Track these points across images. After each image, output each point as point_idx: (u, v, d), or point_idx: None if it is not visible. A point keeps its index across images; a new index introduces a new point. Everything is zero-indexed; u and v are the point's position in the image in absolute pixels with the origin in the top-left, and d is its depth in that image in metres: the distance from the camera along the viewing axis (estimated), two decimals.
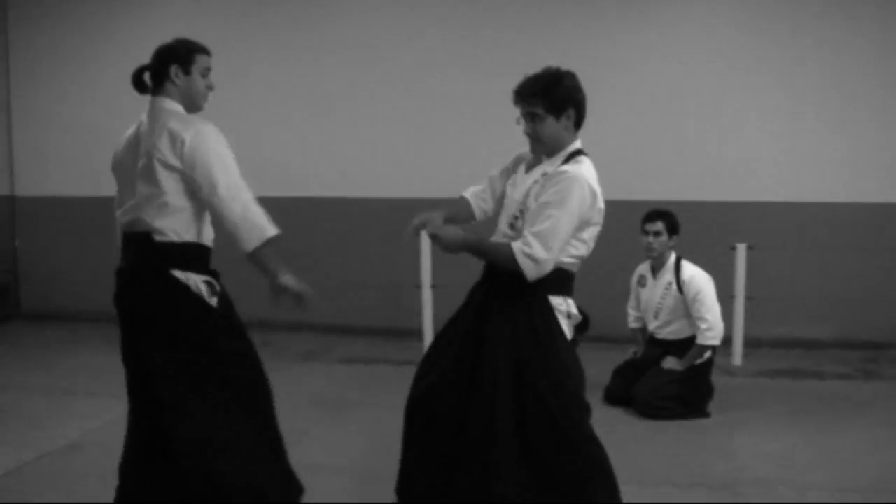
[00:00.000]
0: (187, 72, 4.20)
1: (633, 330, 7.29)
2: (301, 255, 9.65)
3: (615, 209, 8.35)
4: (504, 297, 4.18)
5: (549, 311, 4.18)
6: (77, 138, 10.11)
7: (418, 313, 8.32)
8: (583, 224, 4.09)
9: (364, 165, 9.51)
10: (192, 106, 4.23)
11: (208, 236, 4.22)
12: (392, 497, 4.62)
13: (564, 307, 4.24)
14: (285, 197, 9.69)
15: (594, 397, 7.02)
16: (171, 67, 4.19)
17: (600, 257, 8.65)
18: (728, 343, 8.15)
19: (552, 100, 4.14)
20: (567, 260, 4.16)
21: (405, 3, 9.45)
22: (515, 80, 4.22)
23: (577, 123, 4.26)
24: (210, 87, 4.30)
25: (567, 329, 4.25)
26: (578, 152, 4.22)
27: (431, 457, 4.34)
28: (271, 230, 4.07)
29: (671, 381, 6.70)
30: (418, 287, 8.21)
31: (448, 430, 4.26)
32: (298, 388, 7.48)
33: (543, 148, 4.23)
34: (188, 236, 4.09)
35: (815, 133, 8.78)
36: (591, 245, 4.25)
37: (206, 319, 4.14)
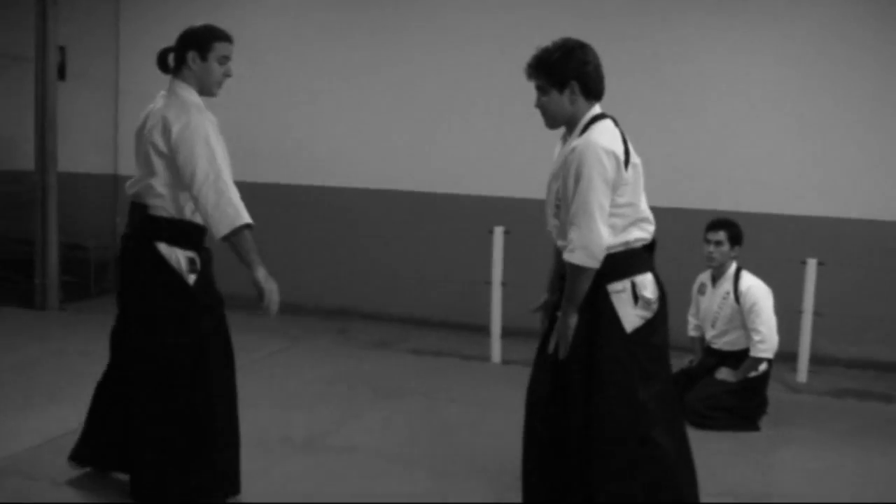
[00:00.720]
0: (204, 58, 4.44)
1: (692, 339, 7.28)
2: (383, 246, 9.94)
3: (685, 217, 8.45)
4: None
5: (605, 300, 4.14)
6: None
7: (488, 310, 8.41)
8: (615, 187, 4.07)
9: (444, 161, 9.66)
10: (206, 91, 4.47)
11: (198, 216, 4.41)
12: (419, 482, 4.78)
13: (626, 292, 4.17)
14: (372, 189, 9.92)
15: None
16: (189, 52, 4.43)
17: (666, 264, 8.72)
18: (794, 359, 8.10)
19: (553, 73, 4.18)
20: (633, 238, 4.20)
21: None
22: None
23: (588, 94, 4.24)
24: (227, 75, 4.53)
25: (632, 315, 4.18)
26: (595, 119, 4.20)
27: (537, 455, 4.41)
28: (242, 219, 4.25)
29: (723, 392, 6.69)
30: (488, 283, 8.31)
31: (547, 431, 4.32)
32: (363, 375, 7.72)
33: (552, 121, 4.28)
34: (177, 213, 4.35)
35: (891, 149, 8.62)
36: (637, 201, 4.25)
37: (178, 294, 4.39)
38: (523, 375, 7.81)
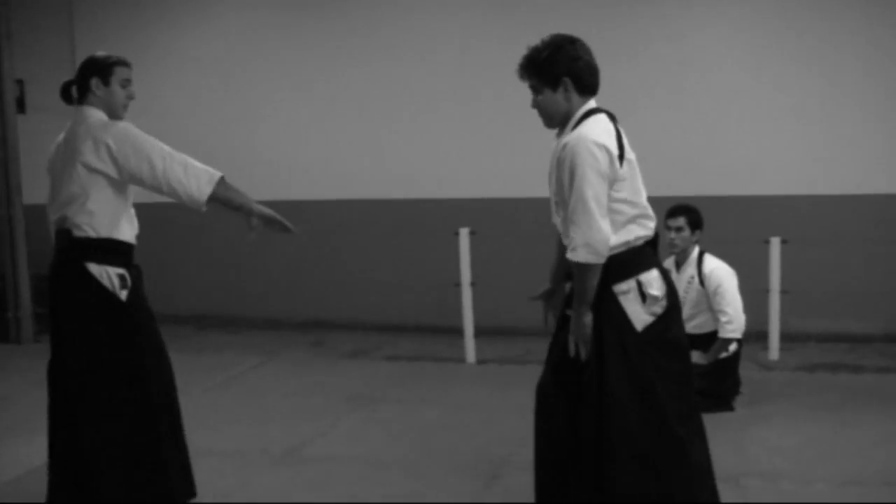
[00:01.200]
0: (107, 83, 4.56)
1: None
2: (354, 256, 9.99)
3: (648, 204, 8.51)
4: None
5: (612, 302, 4.10)
6: None
7: (460, 311, 8.46)
8: (611, 182, 4.04)
9: (405, 166, 9.73)
10: (113, 115, 4.58)
11: (127, 233, 4.52)
12: (397, 484, 4.82)
13: (633, 291, 4.12)
14: (335, 200, 9.97)
15: None
16: (91, 79, 4.55)
17: None
18: (765, 337, 8.19)
19: (545, 71, 4.17)
20: (633, 236, 4.14)
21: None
22: None
23: (583, 90, 4.21)
24: (130, 97, 4.65)
25: (641, 314, 4.12)
26: (588, 114, 4.19)
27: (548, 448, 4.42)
28: (215, 173, 4.43)
29: (695, 375, 6.73)
30: (458, 285, 8.37)
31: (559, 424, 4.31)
32: (339, 384, 7.77)
33: (549, 120, 4.26)
34: (105, 232, 4.41)
35: (850, 124, 8.73)
36: (636, 197, 4.21)
37: (111, 311, 4.43)
38: (498, 374, 7.98)
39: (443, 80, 9.57)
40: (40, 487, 5.37)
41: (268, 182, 9.96)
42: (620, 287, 4.09)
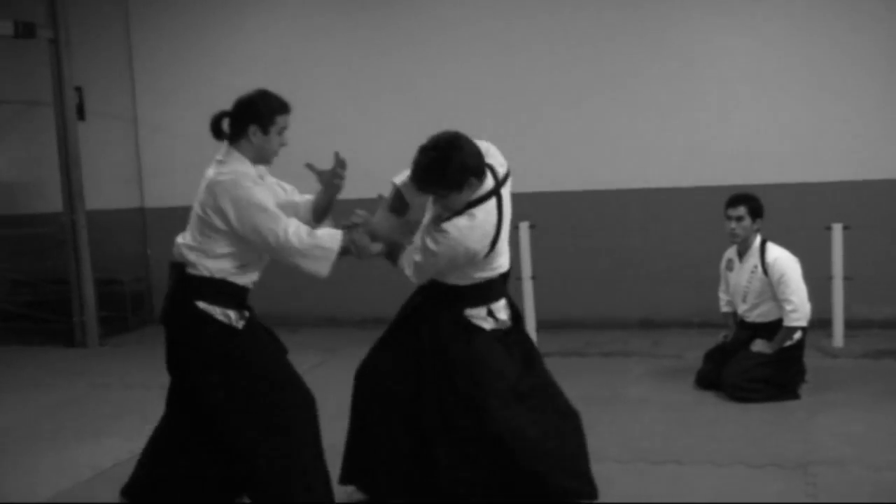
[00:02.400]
0: (266, 132, 4.39)
1: (725, 314, 7.32)
2: None
3: (707, 195, 8.50)
4: (428, 308, 4.67)
5: (466, 323, 4.61)
6: (198, 148, 10.46)
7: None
8: (464, 266, 4.52)
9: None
10: (263, 161, 4.50)
11: (247, 277, 4.48)
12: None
13: (482, 314, 4.65)
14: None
15: (685, 382, 7.16)
16: (250, 126, 4.37)
17: (692, 243, 8.80)
18: (828, 325, 8.12)
19: (451, 182, 4.36)
20: (475, 277, 4.59)
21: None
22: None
23: (480, 177, 4.46)
24: (283, 144, 4.48)
25: (489, 323, 4.66)
26: (480, 200, 4.49)
27: (382, 439, 4.77)
28: (333, 246, 4.33)
29: (760, 364, 6.72)
30: (519, 279, 8.38)
31: (398, 416, 4.70)
32: None
33: (451, 212, 4.49)
34: (220, 275, 4.36)
35: None
36: (500, 260, 4.65)
37: (230, 341, 4.40)
38: (560, 366, 7.85)
39: (493, 74, 9.59)
40: (108, 490, 5.49)
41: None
42: (473, 311, 4.62)
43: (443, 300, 4.62)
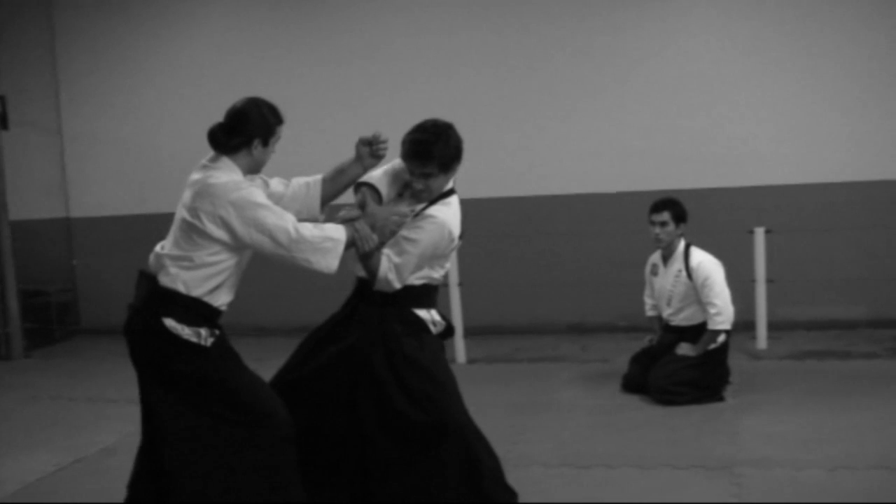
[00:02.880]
0: (266, 144, 4.29)
1: (650, 318, 7.41)
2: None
3: (633, 200, 8.61)
4: (376, 310, 4.58)
5: (414, 317, 4.57)
6: (123, 157, 10.51)
7: (450, 312, 8.48)
8: (438, 257, 4.54)
9: None
10: (255, 171, 4.36)
11: (221, 299, 4.26)
12: None
13: (429, 317, 4.63)
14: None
15: (613, 386, 7.23)
16: (255, 140, 4.24)
17: (619, 248, 8.90)
18: (752, 327, 8.26)
19: (447, 158, 4.50)
20: (426, 278, 4.59)
21: None
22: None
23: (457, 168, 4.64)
24: (273, 152, 4.39)
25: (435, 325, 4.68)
26: (450, 192, 4.64)
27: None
28: (340, 237, 4.21)
29: (685, 367, 6.81)
30: (446, 286, 8.39)
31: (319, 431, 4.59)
32: None
33: (429, 197, 4.56)
34: (196, 293, 4.14)
35: (832, 113, 8.85)
36: (446, 268, 4.72)
37: (196, 360, 4.18)
38: (489, 373, 8.00)
39: (421, 80, 9.63)
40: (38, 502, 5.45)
41: None
42: (421, 312, 4.60)
43: (389, 301, 4.56)
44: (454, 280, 8.44)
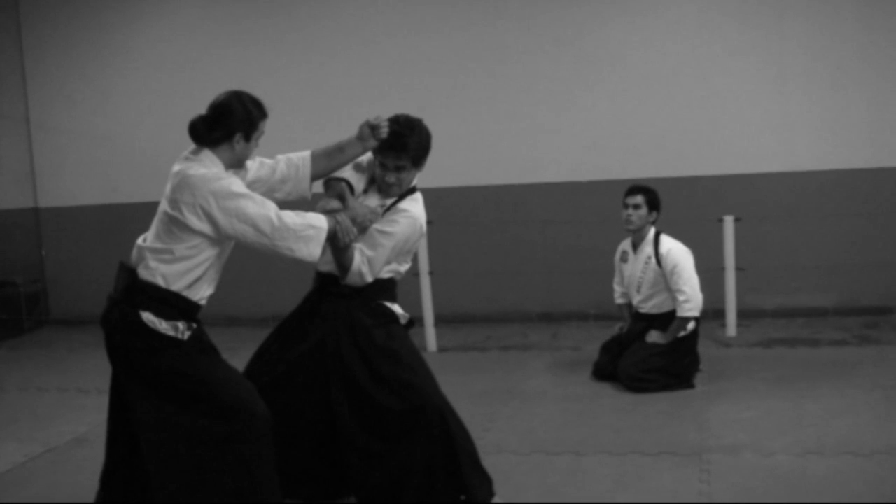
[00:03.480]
0: (248, 139, 4.25)
1: (620, 306, 7.44)
2: None
3: (602, 188, 8.65)
4: (342, 304, 4.62)
5: (384, 310, 4.66)
6: (92, 148, 10.44)
7: (420, 301, 8.49)
8: (407, 252, 4.67)
9: None
10: (237, 166, 4.33)
11: (200, 293, 4.23)
12: None
13: (398, 311, 4.70)
14: None
15: (583, 373, 7.26)
16: (236, 134, 4.21)
17: (589, 236, 8.94)
18: (722, 315, 8.31)
19: (420, 151, 4.59)
20: (393, 272, 4.71)
21: None
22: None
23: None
24: (256, 147, 4.36)
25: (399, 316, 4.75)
26: (414, 189, 4.74)
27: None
28: (322, 225, 4.20)
29: (655, 354, 6.85)
30: (416, 275, 8.40)
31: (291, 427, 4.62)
32: None
33: (398, 191, 4.64)
34: (175, 287, 4.13)
35: (800, 102, 8.90)
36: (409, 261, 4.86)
37: (172, 353, 4.15)
38: (460, 361, 8.01)
39: (389, 69, 9.62)
40: (5, 493, 5.46)
41: None
42: (389, 304, 4.70)
43: (355, 294, 4.59)
44: (424, 268, 8.44)
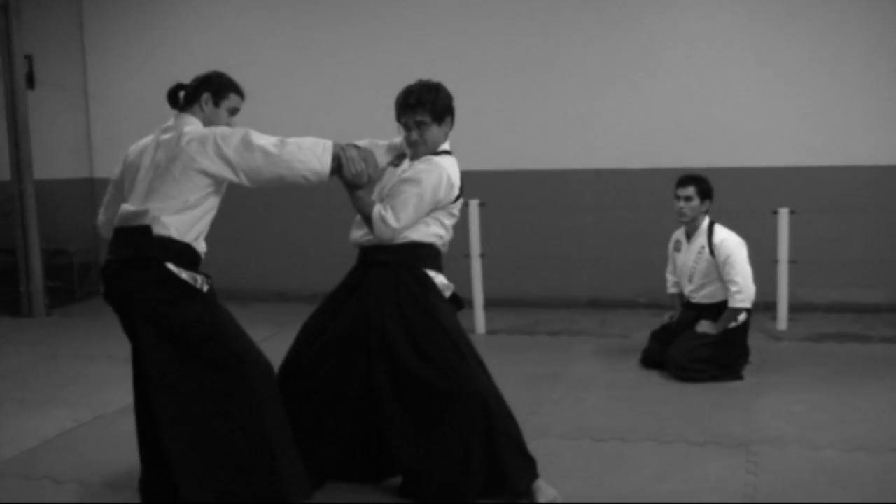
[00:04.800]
0: (217, 104, 4.43)
1: (671, 295, 7.41)
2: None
3: (657, 176, 8.59)
4: (386, 273, 4.64)
5: (428, 279, 4.65)
6: (151, 120, 10.32)
7: (470, 283, 8.47)
8: (439, 208, 4.62)
9: None
10: None
11: (202, 246, 4.39)
12: None
13: (438, 279, 4.68)
14: None
15: (632, 361, 7.24)
16: (203, 94, 4.42)
17: (641, 224, 8.88)
18: (773, 308, 8.24)
19: (440, 105, 4.65)
20: (435, 237, 4.68)
21: None
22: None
23: (451, 127, 4.81)
24: (231, 126, 4.43)
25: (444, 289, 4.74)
26: (446, 151, 4.74)
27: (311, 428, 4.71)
28: (327, 145, 4.31)
29: (704, 345, 6.81)
30: (467, 257, 8.40)
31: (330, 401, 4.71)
32: None
33: (425, 150, 4.66)
34: (187, 237, 4.27)
35: (859, 95, 8.77)
36: (451, 233, 4.81)
37: (193, 303, 4.27)
38: (508, 344, 8.01)
39: (445, 53, 9.57)
40: (54, 459, 5.54)
41: None
42: (431, 273, 4.67)
43: (402, 262, 4.62)
44: (475, 251, 8.45)
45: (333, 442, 4.77)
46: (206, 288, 4.32)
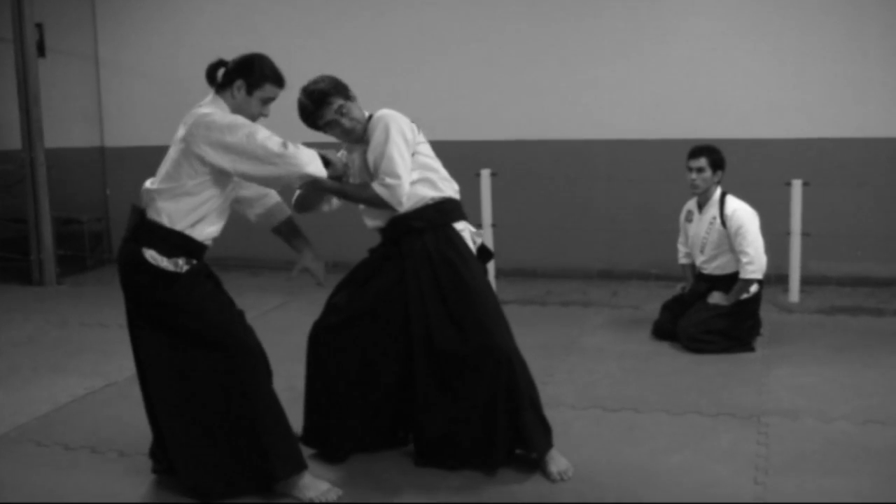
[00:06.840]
0: (249, 92, 4.35)
1: (683, 266, 7.38)
2: None
3: (669, 147, 8.54)
4: (416, 240, 4.69)
5: (458, 236, 4.72)
6: (161, 89, 10.44)
7: None
8: (419, 153, 4.73)
9: (428, 109, 9.60)
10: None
11: (205, 233, 4.38)
12: None
13: (468, 231, 4.77)
14: None
15: (643, 332, 7.23)
16: (237, 80, 4.34)
17: (653, 195, 8.85)
18: (785, 280, 8.22)
19: (332, 90, 4.64)
20: (442, 191, 4.78)
21: None
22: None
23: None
24: (264, 115, 4.44)
25: (474, 247, 4.82)
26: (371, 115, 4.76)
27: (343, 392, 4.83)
28: (315, 154, 4.36)
29: (716, 316, 6.79)
30: (479, 226, 8.38)
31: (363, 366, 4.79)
32: None
33: (360, 125, 4.71)
34: (179, 225, 4.27)
35: (873, 66, 8.66)
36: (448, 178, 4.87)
37: (170, 288, 4.31)
38: (520, 314, 8.00)
39: (457, 21, 9.54)
40: (67, 424, 5.56)
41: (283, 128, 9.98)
42: (459, 225, 4.78)
43: (430, 221, 4.70)
44: (487, 221, 8.45)
45: (361, 408, 4.82)
46: (184, 269, 4.33)
